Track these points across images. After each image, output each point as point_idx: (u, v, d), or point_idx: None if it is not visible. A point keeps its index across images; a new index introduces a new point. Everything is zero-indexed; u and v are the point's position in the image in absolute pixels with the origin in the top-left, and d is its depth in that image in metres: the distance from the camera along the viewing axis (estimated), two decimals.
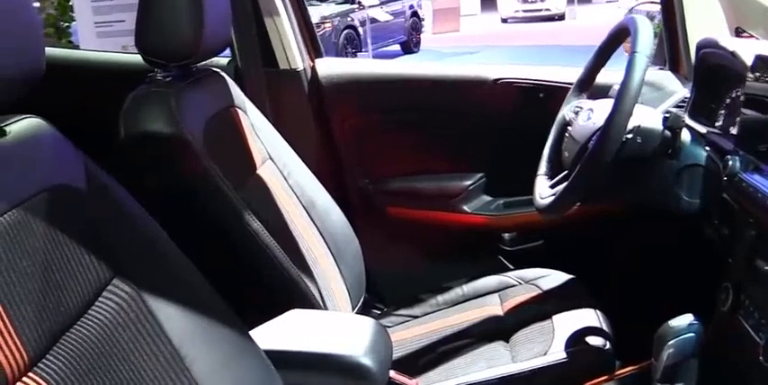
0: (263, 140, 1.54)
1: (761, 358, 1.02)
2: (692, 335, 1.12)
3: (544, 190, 1.46)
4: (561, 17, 15.83)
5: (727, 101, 1.38)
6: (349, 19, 10.78)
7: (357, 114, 1.99)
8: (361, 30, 10.99)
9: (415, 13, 12.84)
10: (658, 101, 1.54)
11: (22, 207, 0.76)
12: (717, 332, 1.15)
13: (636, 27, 1.26)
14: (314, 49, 2.02)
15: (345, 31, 10.54)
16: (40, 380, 0.72)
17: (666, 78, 1.71)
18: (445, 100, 1.94)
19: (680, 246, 1.55)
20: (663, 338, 1.14)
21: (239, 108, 1.50)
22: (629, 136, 1.27)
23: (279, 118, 1.78)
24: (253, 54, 1.90)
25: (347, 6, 10.93)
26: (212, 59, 1.82)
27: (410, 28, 12.56)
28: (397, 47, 12.35)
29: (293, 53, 1.94)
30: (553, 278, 1.64)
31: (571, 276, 1.63)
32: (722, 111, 1.36)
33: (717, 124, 1.34)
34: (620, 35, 1.43)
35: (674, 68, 1.74)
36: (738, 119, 1.20)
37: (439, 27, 14.64)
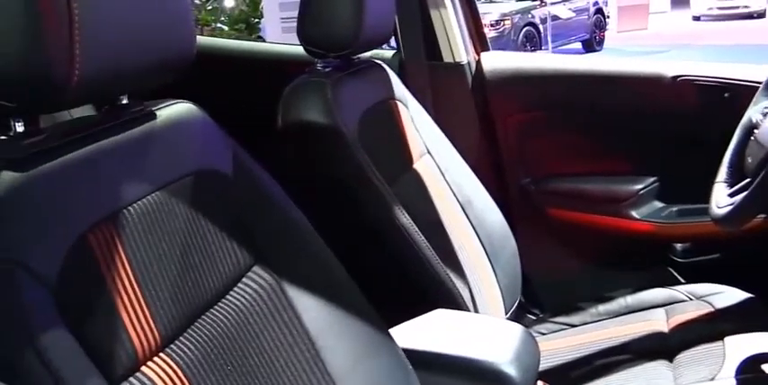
0: (422, 134, 1.51)
1: None
2: None
3: (722, 198, 1.32)
4: (762, 15, 14.70)
5: None
6: (529, 16, 10.59)
7: (522, 110, 1.92)
8: (541, 27, 10.77)
9: (599, 10, 12.40)
10: None
11: (166, 189, 0.78)
12: None
13: None
14: (480, 43, 1.96)
15: (525, 29, 10.38)
16: (171, 362, 0.72)
17: None
18: (617, 98, 1.83)
19: None
20: None
21: (399, 101, 1.48)
22: None
23: (440, 112, 1.75)
24: (417, 47, 1.89)
25: (528, 3, 10.75)
26: (377, 52, 1.83)
27: (593, 25, 12.15)
28: (578, 45, 11.98)
29: (458, 46, 1.90)
30: (728, 295, 1.50)
31: (749, 295, 1.49)
32: None
33: None
34: None
35: None
36: None
37: (624, 25, 14.04)
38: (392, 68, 1.52)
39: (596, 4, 12.33)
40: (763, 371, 1.23)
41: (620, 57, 10.81)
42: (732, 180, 1.36)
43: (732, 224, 1.25)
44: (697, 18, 15.38)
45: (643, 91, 1.80)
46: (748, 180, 1.27)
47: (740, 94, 1.60)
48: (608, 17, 13.02)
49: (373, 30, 1.33)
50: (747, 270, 1.64)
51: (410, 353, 0.98)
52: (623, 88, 1.83)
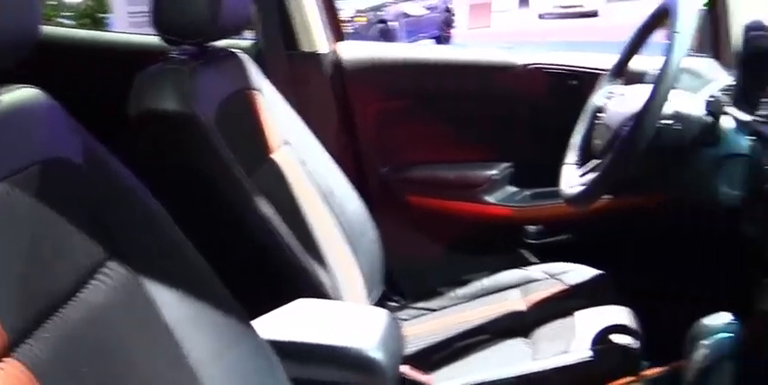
0: (280, 124, 1.49)
1: None
2: (728, 334, 1.04)
3: (573, 179, 1.38)
4: (594, 14, 15.65)
5: None
6: (382, 13, 10.70)
7: (380, 100, 1.93)
8: (394, 24, 10.92)
9: (448, 8, 12.73)
10: (698, 88, 1.45)
11: (9, 180, 0.71)
12: (755, 332, 1.07)
13: (677, 6, 1.18)
14: (337, 33, 1.96)
15: (378, 25, 10.48)
16: (18, 363, 0.66)
17: (707, 65, 1.63)
18: (471, 86, 1.87)
19: (716, 242, 1.46)
20: (696, 337, 1.07)
21: (257, 90, 1.45)
22: (668, 122, 1.19)
23: (300, 102, 1.73)
24: (275, 36, 1.86)
25: (381, 0, 10.87)
26: (234, 42, 1.78)
27: (443, 22, 12.45)
28: (430, 42, 12.25)
29: (316, 36, 1.88)
30: (579, 273, 1.57)
31: (599, 271, 1.56)
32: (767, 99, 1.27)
33: (762, 112, 1.25)
34: (661, 16, 1.35)
35: (717, 55, 1.65)
36: None
37: (474, 22, 14.51)
38: (250, 58, 1.48)
39: (445, 2, 12.64)
40: (613, 342, 1.30)
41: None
42: (581, 161, 1.42)
43: (583, 203, 1.31)
44: (542, 16, 16.16)
45: (494, 79, 1.86)
46: (597, 161, 1.33)
47: (586, 80, 1.68)
48: (454, 15, 13.37)
49: (230, 17, 1.29)
50: (597, 249, 1.72)
51: (275, 344, 0.96)
52: (476, 77, 1.88)
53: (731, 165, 1.21)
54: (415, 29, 11.45)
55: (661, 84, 1.12)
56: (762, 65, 1.32)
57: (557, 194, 1.49)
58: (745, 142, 1.20)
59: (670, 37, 1.15)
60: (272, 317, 1.08)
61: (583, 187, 1.31)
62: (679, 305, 1.32)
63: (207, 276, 0.93)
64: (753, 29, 1.32)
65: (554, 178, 1.48)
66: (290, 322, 1.08)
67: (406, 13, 11.24)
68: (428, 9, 11.95)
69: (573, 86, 1.75)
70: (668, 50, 1.14)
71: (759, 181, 1.17)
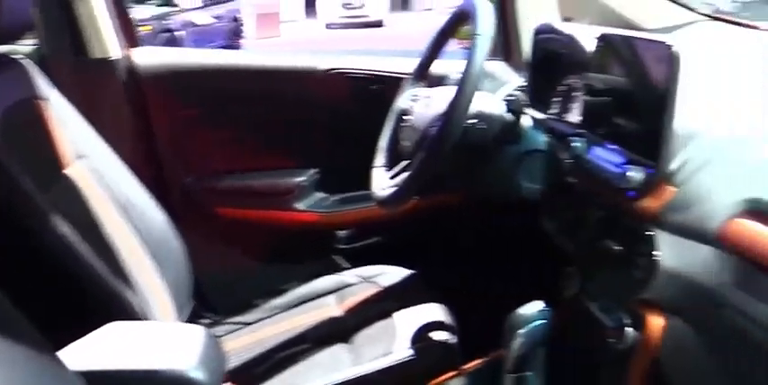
0: (73, 136, 1.37)
1: (611, 340, 1.00)
2: (542, 322, 1.09)
3: (383, 181, 1.39)
4: (379, 24, 16.17)
5: (563, 87, 1.38)
6: (167, 22, 10.37)
7: (179, 107, 1.84)
8: (180, 33, 10.61)
9: (236, 18, 12.59)
10: (494, 90, 1.52)
11: None
12: (563, 318, 1.13)
13: (477, 9, 1.23)
14: (130, 38, 1.84)
15: (163, 35, 10.14)
16: None
17: (499, 68, 1.71)
18: (274, 91, 1.84)
19: (522, 235, 1.53)
20: (513, 327, 1.10)
21: (44, 99, 1.32)
22: (472, 121, 1.23)
23: (92, 111, 1.60)
24: (60, 41, 1.72)
25: (166, 9, 10.52)
26: (14, 47, 1.62)
27: (231, 32, 12.29)
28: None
29: (107, 41, 1.76)
30: (393, 275, 1.58)
31: (411, 271, 1.58)
32: (558, 98, 1.36)
33: (553, 110, 1.33)
34: (460, 18, 1.40)
35: (507, 58, 1.74)
36: (580, 103, 1.19)
37: (262, 32, 14.45)
38: (33, 64, 1.35)
39: (233, 11, 12.49)
40: (432, 339, 1.32)
41: None
42: (390, 164, 1.44)
43: (396, 204, 1.32)
44: (329, 26, 16.42)
45: (297, 84, 1.83)
46: (406, 162, 1.35)
47: (389, 84, 1.70)
48: (242, 24, 13.24)
49: (6, 21, 1.17)
50: (408, 249, 1.74)
51: (86, 375, 0.87)
52: (278, 82, 1.84)
53: (531, 160, 1.27)
54: (201, 38, 11.19)
55: (465, 84, 1.16)
56: (551, 66, 1.40)
57: (364, 198, 1.50)
58: (542, 139, 1.27)
59: (471, 39, 1.18)
60: (80, 346, 0.98)
61: (394, 189, 1.32)
62: (492, 298, 1.36)
63: (4, 308, 0.83)
64: (542, 32, 1.41)
65: (361, 182, 1.49)
66: (100, 349, 0.99)
67: (192, 23, 10.97)
68: (215, 18, 11.74)
69: (375, 91, 1.77)
70: (470, 52, 1.18)
71: (555, 175, 1.25)
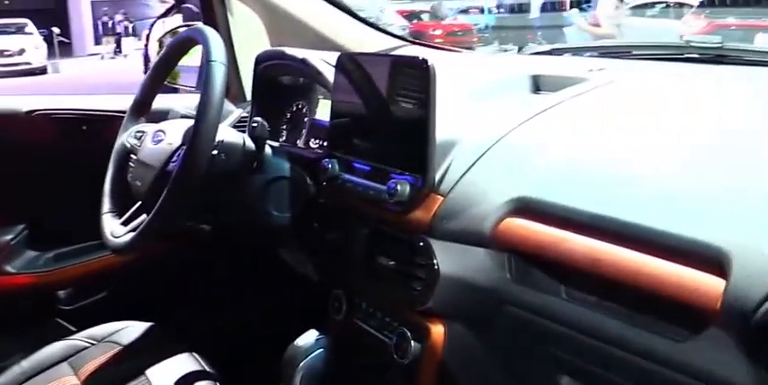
0: None
1: (395, 357, 1.00)
2: (320, 351, 1.06)
3: (116, 228, 1.26)
4: (43, 71, 15.13)
5: (291, 113, 1.38)
6: None
7: None
8: None
9: None
10: (222, 120, 1.47)
11: None
12: (339, 344, 1.11)
13: (206, 36, 1.17)
14: None
15: None
16: None
17: None
18: None
19: (277, 265, 1.49)
20: (291, 361, 1.05)
21: None
22: (214, 152, 1.16)
23: None
24: None
25: None
26: None
27: None
28: None
29: None
30: (132, 330, 1.44)
31: (151, 324, 1.46)
32: (287, 124, 1.35)
33: (285, 137, 1.32)
34: (183, 47, 1.33)
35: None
36: (310, 126, 1.19)
37: None
38: None
39: None
40: None
41: None
42: (120, 208, 1.31)
43: (137, 249, 1.20)
44: None
45: None
46: (140, 203, 1.24)
47: (101, 124, 1.58)
48: None
49: None
50: (143, 301, 1.62)
51: None
52: None
53: (277, 188, 1.24)
54: None
55: (207, 112, 1.09)
56: (274, 94, 1.40)
57: (84, 251, 1.36)
58: (286, 166, 1.25)
59: (206, 66, 1.13)
60: None
61: (132, 234, 1.21)
62: (256, 335, 1.30)
63: None
64: (266, 59, 1.39)
65: (80, 234, 1.36)
66: None
67: None
68: None
69: (86, 131, 1.63)
70: (207, 79, 1.12)
71: (299, 200, 1.23)
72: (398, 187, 0.95)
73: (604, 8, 6.47)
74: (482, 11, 16.88)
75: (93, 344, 1.42)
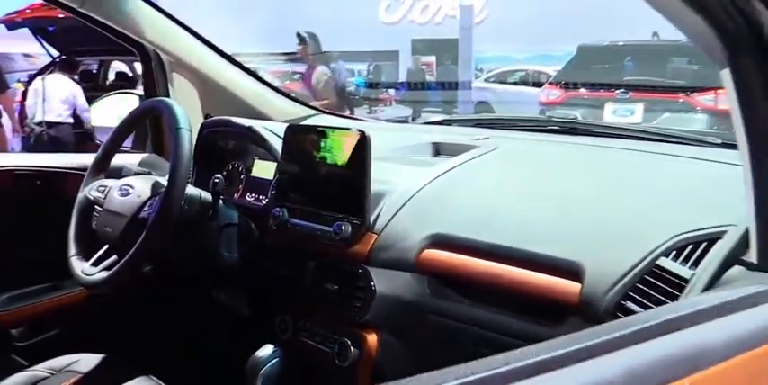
0: None
1: (337, 362, 1.27)
2: (276, 360, 1.32)
3: (87, 268, 1.45)
4: None
5: (226, 171, 1.66)
6: None
7: None
8: None
9: None
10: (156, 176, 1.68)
11: None
12: (287, 354, 1.37)
13: (171, 107, 1.41)
14: None
15: None
16: None
17: (154, 159, 1.88)
18: None
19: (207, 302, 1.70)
20: (254, 369, 1.30)
21: None
22: None
23: None
24: None
25: None
26: None
27: None
28: None
29: None
30: (90, 359, 1.59)
31: (104, 355, 1.63)
32: (223, 180, 1.57)
33: (219, 186, 1.54)
34: (145, 115, 1.57)
35: (159, 151, 1.93)
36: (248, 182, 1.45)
37: None
38: None
39: None
40: None
41: None
42: (86, 252, 1.50)
43: (115, 284, 1.40)
44: None
45: None
46: (107, 246, 1.44)
47: (52, 179, 1.77)
48: None
49: None
50: (89, 335, 1.78)
51: None
52: None
53: (228, 233, 1.50)
54: None
55: (178, 170, 1.34)
56: (212, 153, 1.67)
57: (35, 294, 1.53)
58: (234, 214, 1.51)
59: (174, 133, 1.37)
60: None
61: (106, 272, 1.40)
62: (208, 355, 1.51)
63: None
64: (210, 126, 1.67)
65: (30, 278, 1.53)
66: None
67: None
68: None
69: (39, 186, 1.80)
70: (176, 144, 1.36)
71: (246, 243, 1.50)
72: (343, 228, 1.25)
73: None
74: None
75: (53, 374, 1.57)
